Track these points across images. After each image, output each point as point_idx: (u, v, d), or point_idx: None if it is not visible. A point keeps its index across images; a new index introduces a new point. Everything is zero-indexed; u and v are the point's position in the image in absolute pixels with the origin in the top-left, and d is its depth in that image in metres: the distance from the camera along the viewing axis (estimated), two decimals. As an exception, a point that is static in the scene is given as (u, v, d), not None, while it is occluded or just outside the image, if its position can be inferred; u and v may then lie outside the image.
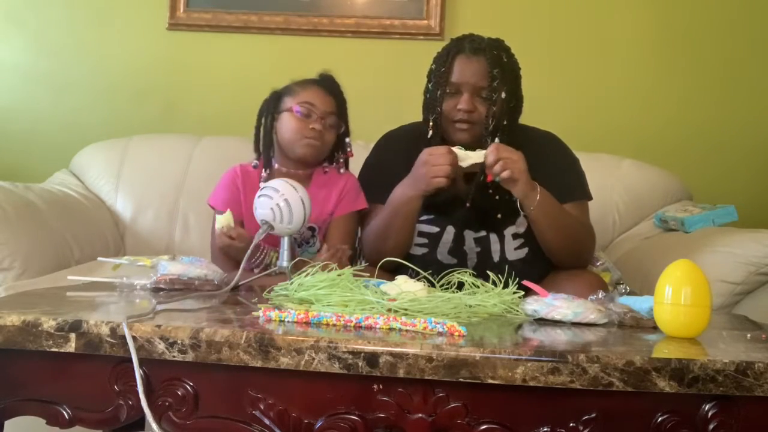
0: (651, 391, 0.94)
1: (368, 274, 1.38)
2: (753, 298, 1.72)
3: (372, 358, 0.95)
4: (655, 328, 1.17)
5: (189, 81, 2.69)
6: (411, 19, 2.59)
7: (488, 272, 1.40)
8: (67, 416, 1.04)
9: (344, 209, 1.76)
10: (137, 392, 0.98)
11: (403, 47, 2.60)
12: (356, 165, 1.84)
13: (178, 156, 2.42)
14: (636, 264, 1.99)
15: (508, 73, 1.64)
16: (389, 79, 2.57)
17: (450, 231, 1.67)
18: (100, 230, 2.27)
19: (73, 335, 0.99)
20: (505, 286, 1.34)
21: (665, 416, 0.98)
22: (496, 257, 1.66)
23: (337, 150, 1.80)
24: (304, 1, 2.63)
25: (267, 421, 1.00)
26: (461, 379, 0.94)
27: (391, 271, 1.51)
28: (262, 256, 1.62)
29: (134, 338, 0.98)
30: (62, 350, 0.99)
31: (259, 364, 0.96)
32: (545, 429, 0.98)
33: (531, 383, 0.94)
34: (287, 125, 1.73)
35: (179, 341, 0.97)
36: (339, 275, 1.29)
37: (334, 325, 1.07)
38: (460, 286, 1.36)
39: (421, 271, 1.40)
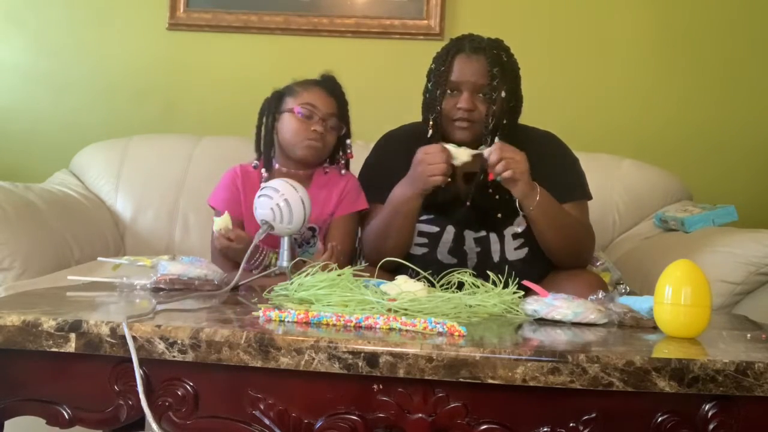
0: (651, 391, 0.94)
1: (368, 274, 1.38)
2: (753, 298, 1.72)
3: (372, 358, 0.95)
4: (655, 328, 1.17)
5: (189, 81, 2.69)
6: (411, 19, 2.59)
7: (488, 272, 1.40)
8: (67, 416, 1.04)
9: (345, 210, 1.76)
10: (137, 392, 0.98)
11: (403, 47, 2.60)
12: (356, 165, 1.84)
13: (178, 156, 2.42)
14: (636, 264, 1.99)
15: (508, 73, 1.64)
16: (389, 79, 2.57)
17: (450, 231, 1.67)
18: (100, 230, 2.27)
19: (73, 335, 0.99)
20: (505, 286, 1.34)
21: (665, 416, 0.98)
22: (496, 257, 1.66)
23: (337, 151, 1.80)
24: (304, 1, 2.63)
25: (267, 421, 1.00)
26: (461, 379, 0.94)
27: (391, 271, 1.51)
28: (261, 258, 1.62)
29: (134, 338, 0.98)
30: (62, 350, 0.99)
31: (259, 364, 0.96)
32: (545, 429, 0.98)
33: (531, 383, 0.94)
34: (288, 126, 1.73)
35: (179, 341, 0.97)
36: (339, 275, 1.29)
37: (334, 325, 1.07)
38: (460, 286, 1.36)
39: (421, 271, 1.40)
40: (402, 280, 1.28)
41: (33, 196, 2.08)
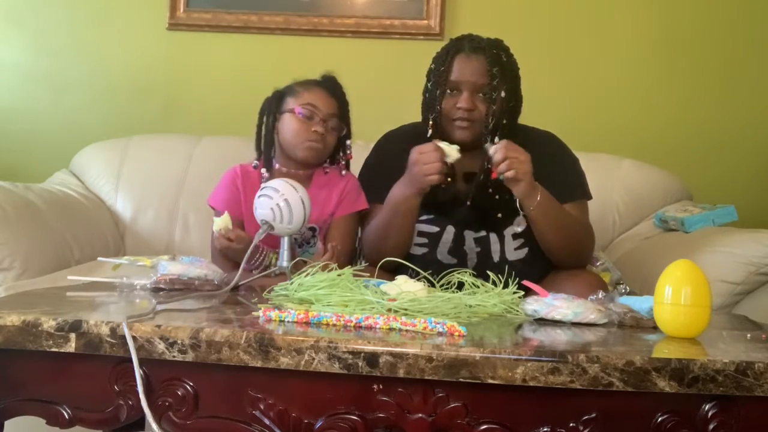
0: (651, 391, 0.94)
1: (368, 274, 1.38)
2: (753, 298, 1.72)
3: (372, 358, 0.95)
4: (655, 328, 1.17)
5: (189, 81, 2.69)
6: (411, 19, 2.59)
7: (488, 272, 1.40)
8: (67, 416, 1.04)
9: (345, 210, 1.76)
10: (137, 392, 0.98)
11: (403, 47, 2.60)
12: (356, 165, 1.84)
13: (178, 156, 2.42)
14: (636, 264, 1.99)
15: (507, 72, 1.64)
16: (389, 79, 2.57)
17: (450, 231, 1.67)
18: (100, 230, 2.27)
19: (73, 335, 0.99)
20: (505, 286, 1.34)
21: (665, 416, 0.98)
22: (496, 257, 1.66)
23: (337, 151, 1.80)
24: (304, 1, 2.63)
25: (267, 421, 1.00)
26: (461, 379, 0.94)
27: (391, 271, 1.51)
28: (261, 258, 1.62)
29: (134, 338, 0.98)
30: (62, 350, 0.99)
31: (259, 364, 0.96)
32: (545, 429, 0.98)
33: (531, 383, 0.94)
34: (289, 126, 1.73)
35: (179, 341, 0.97)
36: (339, 275, 1.29)
37: (334, 325, 1.07)
38: (460, 286, 1.36)
39: (421, 271, 1.40)
40: (402, 280, 1.28)
41: (33, 196, 2.08)
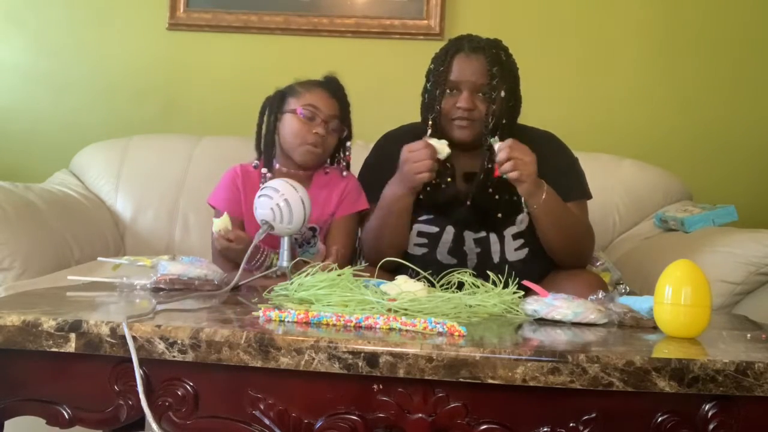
0: (651, 391, 0.94)
1: (368, 274, 1.38)
2: (753, 298, 1.72)
3: (372, 358, 0.95)
4: (655, 328, 1.17)
5: (189, 81, 2.69)
6: (411, 19, 2.59)
7: (488, 272, 1.40)
8: (67, 416, 1.04)
9: (345, 210, 1.76)
10: (137, 392, 0.98)
11: (403, 47, 2.60)
12: (356, 165, 1.84)
13: (178, 156, 2.42)
14: (636, 264, 1.99)
15: (507, 72, 1.64)
16: (389, 79, 2.57)
17: (449, 231, 1.67)
18: (100, 230, 2.27)
19: (73, 335, 0.99)
20: (505, 286, 1.34)
21: (665, 416, 0.98)
22: (496, 258, 1.66)
23: (338, 152, 1.80)
24: (304, 1, 2.63)
25: (267, 421, 1.00)
26: (461, 379, 0.94)
27: (391, 271, 1.51)
28: (262, 258, 1.62)
29: (134, 338, 0.98)
30: (62, 350, 0.99)
31: (259, 364, 0.96)
32: (545, 429, 0.98)
33: (531, 383, 0.94)
34: (290, 127, 1.72)
35: (179, 341, 0.97)
36: (339, 275, 1.29)
37: (334, 325, 1.07)
38: (460, 286, 1.36)
39: (421, 271, 1.40)
40: (402, 280, 1.28)
41: (33, 196, 2.08)
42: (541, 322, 1.22)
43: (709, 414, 0.98)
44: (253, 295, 1.36)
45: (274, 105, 1.76)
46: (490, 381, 0.94)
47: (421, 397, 0.98)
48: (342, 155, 1.81)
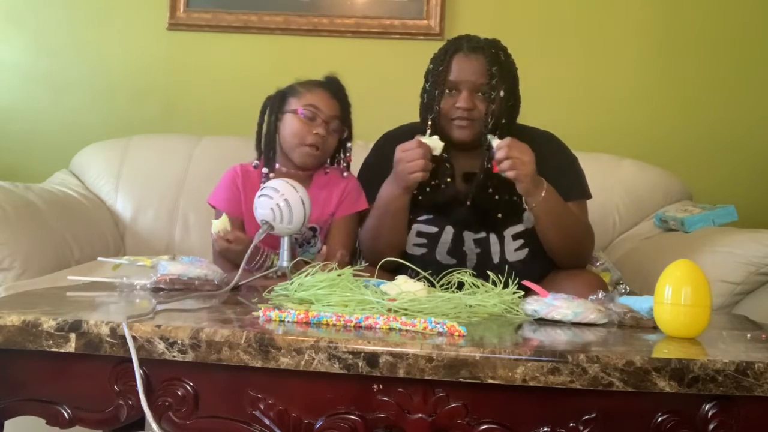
0: (651, 391, 0.94)
1: (368, 274, 1.38)
2: (753, 298, 1.72)
3: (372, 358, 0.95)
4: (655, 328, 1.17)
5: (189, 81, 2.68)
6: (411, 19, 2.59)
7: (488, 272, 1.40)
8: (67, 416, 1.04)
9: (345, 210, 1.76)
10: (137, 392, 0.98)
11: (403, 47, 2.60)
12: (356, 165, 1.84)
13: (178, 156, 2.42)
14: (636, 264, 1.99)
15: (506, 72, 1.64)
16: (389, 79, 2.57)
17: (449, 231, 1.67)
18: (100, 230, 2.27)
19: (73, 335, 0.99)
20: (505, 286, 1.34)
21: (665, 416, 0.98)
22: (495, 258, 1.66)
23: (338, 152, 1.80)
24: (304, 1, 2.63)
25: (267, 421, 1.00)
26: (461, 379, 0.94)
27: (391, 271, 1.51)
28: (262, 259, 1.62)
29: (134, 338, 0.98)
30: (62, 350, 0.99)
31: (259, 364, 0.96)
32: (545, 429, 0.98)
33: (531, 383, 0.94)
34: (290, 127, 1.73)
35: (179, 341, 0.97)
36: (339, 275, 1.29)
37: (334, 325, 1.07)
38: (460, 286, 1.36)
39: (421, 271, 1.40)
40: (402, 280, 1.28)
41: (33, 196, 2.08)
42: (541, 322, 1.22)
43: (709, 414, 0.98)
44: (253, 295, 1.36)
45: (275, 105, 1.76)
46: (490, 381, 0.94)
47: (421, 397, 0.98)
48: (342, 156, 1.81)
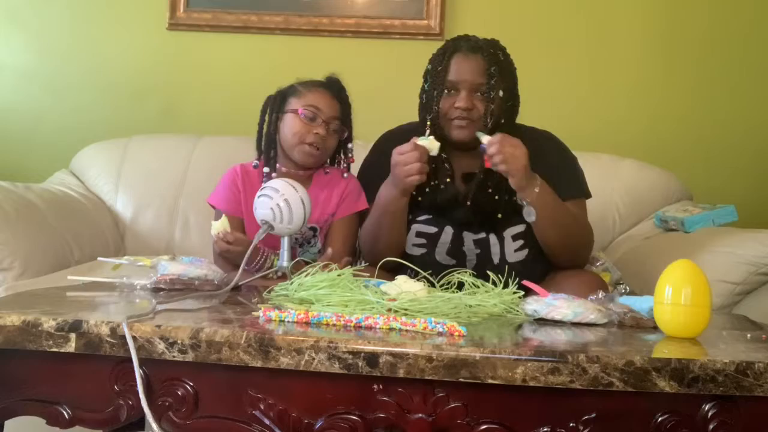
0: (651, 391, 0.94)
1: (368, 274, 1.38)
2: (753, 298, 1.72)
3: (372, 358, 0.95)
4: (655, 328, 1.17)
5: (189, 81, 2.68)
6: (411, 19, 2.59)
7: (488, 272, 1.40)
8: (67, 416, 1.04)
9: (345, 211, 1.76)
10: (137, 392, 0.98)
11: (403, 47, 2.59)
12: (355, 165, 1.84)
13: (178, 156, 2.42)
14: (636, 264, 1.99)
15: (505, 72, 1.64)
16: (389, 79, 2.57)
17: (448, 231, 1.67)
18: (100, 230, 2.27)
19: (73, 335, 0.99)
20: (505, 286, 1.34)
21: (665, 416, 0.98)
22: (495, 259, 1.66)
23: (338, 152, 1.80)
24: (304, 1, 2.63)
25: (267, 421, 1.00)
26: (461, 379, 0.94)
27: (390, 271, 1.51)
28: (262, 260, 1.62)
29: (134, 338, 0.98)
30: (62, 350, 0.99)
31: (259, 364, 0.96)
32: (545, 429, 0.98)
33: (531, 383, 0.94)
34: (290, 127, 1.73)
35: (179, 341, 0.97)
36: (339, 275, 1.29)
37: (334, 325, 1.07)
38: (460, 286, 1.36)
39: (420, 271, 1.40)
40: (402, 280, 1.28)
41: (33, 196, 2.08)
42: (541, 322, 1.22)
43: (709, 414, 0.98)
44: (253, 295, 1.36)
45: (276, 104, 1.76)
46: (490, 381, 0.94)
47: (421, 397, 0.98)
48: (343, 157, 1.81)
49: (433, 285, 1.38)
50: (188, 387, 1.02)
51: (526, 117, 1.74)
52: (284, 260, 1.52)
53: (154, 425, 0.98)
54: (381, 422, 0.99)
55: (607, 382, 0.93)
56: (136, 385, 0.98)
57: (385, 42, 2.61)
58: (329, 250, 1.60)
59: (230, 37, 2.67)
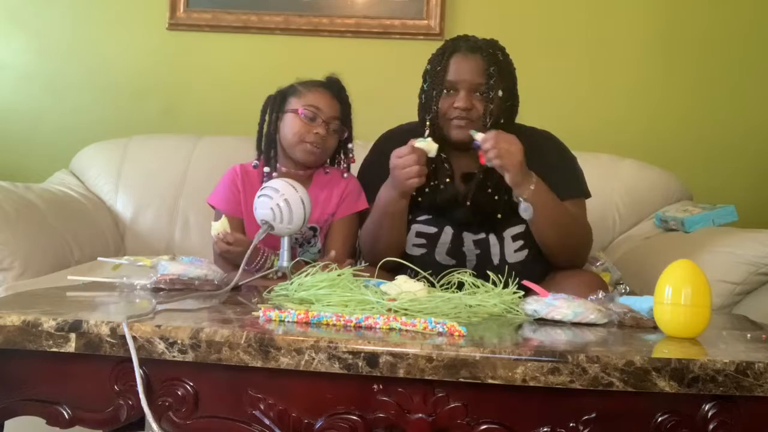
0: (651, 391, 0.94)
1: (368, 274, 1.38)
2: (753, 298, 1.72)
3: (372, 358, 0.95)
4: (655, 328, 1.17)
5: (189, 81, 2.69)
6: (411, 19, 2.59)
7: (488, 272, 1.40)
8: (67, 416, 1.04)
9: (346, 211, 1.76)
10: (137, 392, 0.98)
11: (403, 47, 2.59)
12: (355, 164, 1.84)
13: (178, 156, 2.42)
14: (636, 264, 1.99)
15: (504, 72, 1.64)
16: (389, 79, 2.57)
17: (448, 232, 1.67)
18: (100, 230, 2.27)
19: (73, 335, 0.99)
20: (505, 286, 1.34)
21: (665, 416, 0.98)
22: (495, 260, 1.66)
23: (338, 153, 1.80)
24: (304, 1, 2.63)
25: (267, 421, 1.00)
26: (461, 379, 0.94)
27: (390, 271, 1.51)
28: (262, 260, 1.62)
29: (134, 338, 0.98)
30: (62, 350, 0.99)
31: (259, 364, 0.96)
32: (545, 429, 0.98)
33: (531, 383, 0.94)
34: (290, 127, 1.73)
35: (179, 341, 0.97)
36: (339, 275, 1.29)
37: (334, 325, 1.07)
38: (460, 286, 1.36)
39: (420, 271, 1.40)
40: (402, 280, 1.28)
41: (33, 196, 2.08)
42: (541, 322, 1.22)
43: (709, 414, 0.98)
44: (253, 295, 1.36)
45: (276, 104, 1.76)
46: (490, 381, 0.94)
47: (421, 397, 0.98)
48: (343, 156, 1.81)
49: (433, 285, 1.38)
50: (188, 387, 1.02)
51: (526, 117, 1.74)
52: (284, 260, 1.52)
53: (154, 425, 0.98)
54: (381, 422, 0.99)
55: (607, 382, 0.93)
56: (136, 385, 0.98)
57: (385, 42, 2.61)
58: (332, 253, 1.60)
59: (230, 37, 2.67)
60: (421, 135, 1.65)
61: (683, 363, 0.94)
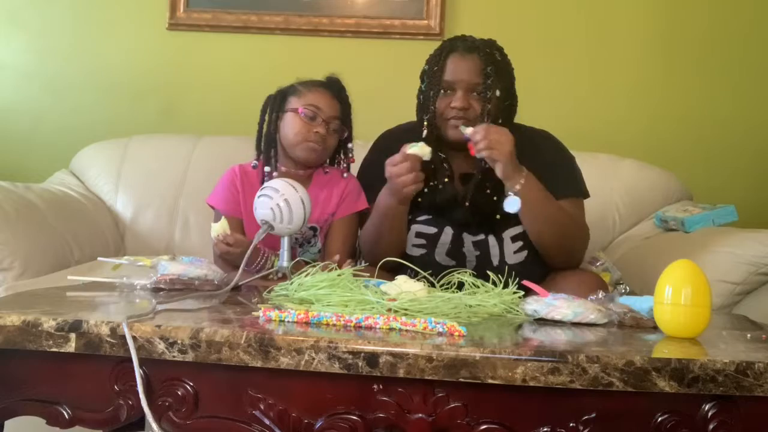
0: (651, 391, 0.94)
1: (368, 274, 1.38)
2: (753, 298, 1.72)
3: (372, 358, 0.95)
4: (655, 328, 1.17)
5: (189, 81, 2.68)
6: (411, 19, 2.59)
7: (488, 272, 1.40)
8: (67, 416, 1.04)
9: (345, 211, 1.76)
10: (137, 392, 0.98)
11: (403, 47, 2.59)
12: (355, 164, 1.84)
13: (178, 156, 2.42)
14: (636, 264, 1.99)
15: (502, 71, 1.64)
16: (389, 79, 2.57)
17: (448, 232, 1.67)
18: (100, 230, 2.27)
19: (73, 335, 0.99)
20: (505, 286, 1.34)
21: (665, 416, 0.98)
22: (495, 261, 1.66)
23: (338, 152, 1.80)
24: (304, 1, 2.63)
25: (267, 421, 1.00)
26: (461, 379, 0.94)
27: (390, 271, 1.51)
28: (262, 261, 1.62)
29: (134, 338, 0.98)
30: (62, 350, 0.99)
31: (259, 364, 0.96)
32: (545, 429, 0.98)
33: (531, 383, 0.94)
34: (291, 126, 1.73)
35: (179, 341, 0.97)
36: (339, 275, 1.29)
37: (334, 325, 1.07)
38: (460, 286, 1.36)
39: (420, 271, 1.40)
40: (402, 280, 1.28)
41: (33, 196, 2.08)
42: (541, 322, 1.22)
43: (709, 414, 0.98)
44: (253, 295, 1.36)
45: (276, 104, 1.76)
46: (490, 381, 0.94)
47: (421, 397, 0.98)
48: (343, 156, 1.81)
49: (433, 285, 1.38)
50: (188, 387, 1.02)
51: (525, 117, 1.74)
52: (284, 260, 1.52)
53: (154, 425, 0.98)
54: (381, 422, 0.99)
55: (607, 382, 0.93)
56: (136, 385, 0.98)
57: (385, 42, 2.61)
58: (336, 257, 1.60)
59: (230, 37, 2.67)
60: (420, 134, 1.65)
61: (683, 363, 0.94)
